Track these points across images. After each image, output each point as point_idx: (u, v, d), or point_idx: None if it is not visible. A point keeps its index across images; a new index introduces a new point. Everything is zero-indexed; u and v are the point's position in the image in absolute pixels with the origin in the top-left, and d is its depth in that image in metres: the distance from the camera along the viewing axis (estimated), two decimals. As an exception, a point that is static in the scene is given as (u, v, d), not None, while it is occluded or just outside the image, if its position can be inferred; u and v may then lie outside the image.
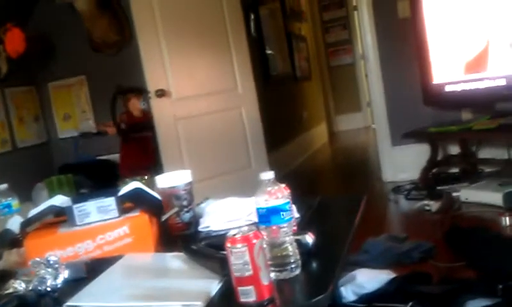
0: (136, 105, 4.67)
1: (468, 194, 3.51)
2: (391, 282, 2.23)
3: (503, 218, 2.98)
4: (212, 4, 4.37)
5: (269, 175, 1.16)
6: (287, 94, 6.36)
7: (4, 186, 1.99)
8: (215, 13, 4.38)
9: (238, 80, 4.51)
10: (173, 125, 4.19)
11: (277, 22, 6.32)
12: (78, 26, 4.87)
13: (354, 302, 2.14)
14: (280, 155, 5.43)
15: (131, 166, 4.20)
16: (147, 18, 4.00)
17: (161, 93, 4.06)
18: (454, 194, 3.62)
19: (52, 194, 2.31)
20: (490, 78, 3.54)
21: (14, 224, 1.83)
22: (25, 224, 1.61)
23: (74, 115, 5.35)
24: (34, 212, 1.58)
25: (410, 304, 1.63)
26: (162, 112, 4.15)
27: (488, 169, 3.95)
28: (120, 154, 4.78)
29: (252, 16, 5.24)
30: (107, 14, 4.84)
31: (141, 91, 4.48)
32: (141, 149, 4.61)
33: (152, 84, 4.09)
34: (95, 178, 4.70)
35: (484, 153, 4.02)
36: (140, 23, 3.98)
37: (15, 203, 1.98)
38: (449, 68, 3.79)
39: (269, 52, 5.79)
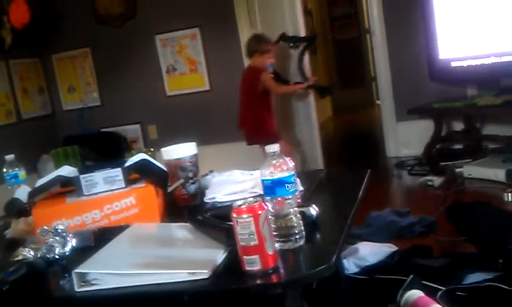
0: None
1: (471, 170, 3.52)
2: (392, 255, 2.26)
3: (505, 194, 2.99)
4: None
5: (274, 148, 1.17)
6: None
7: (11, 157, 2.01)
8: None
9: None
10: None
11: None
12: (83, -3, 4.85)
13: (355, 274, 2.17)
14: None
15: None
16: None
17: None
18: (457, 170, 3.63)
19: (58, 165, 2.33)
20: (496, 55, 3.52)
21: (22, 193, 1.86)
22: (33, 194, 1.63)
23: (78, 87, 5.35)
24: (41, 181, 1.60)
25: (411, 277, 1.65)
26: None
27: (491, 146, 3.94)
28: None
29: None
30: (112, -15, 4.82)
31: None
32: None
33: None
34: (98, 150, 4.72)
35: (489, 129, 4.01)
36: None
37: (21, 173, 2.00)
38: (456, 44, 3.76)
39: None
